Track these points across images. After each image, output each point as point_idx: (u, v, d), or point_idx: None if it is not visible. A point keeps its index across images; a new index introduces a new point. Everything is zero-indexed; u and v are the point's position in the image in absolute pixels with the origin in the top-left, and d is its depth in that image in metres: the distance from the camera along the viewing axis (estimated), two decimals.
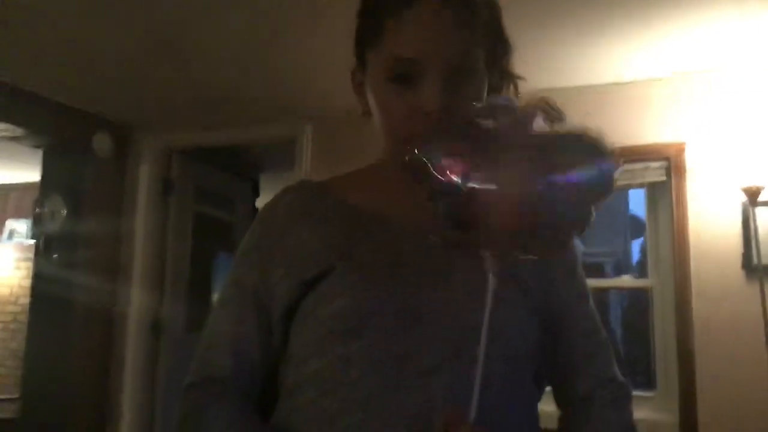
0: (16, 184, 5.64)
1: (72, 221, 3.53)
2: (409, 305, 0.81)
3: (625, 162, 2.80)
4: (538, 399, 0.93)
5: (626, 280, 3.71)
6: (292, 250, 0.88)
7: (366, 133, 0.92)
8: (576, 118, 2.94)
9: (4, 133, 3.48)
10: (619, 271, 10.48)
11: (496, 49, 0.89)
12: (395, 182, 0.91)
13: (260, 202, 4.65)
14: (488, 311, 0.74)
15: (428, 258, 0.86)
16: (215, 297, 4.27)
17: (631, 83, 2.96)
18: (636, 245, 11.05)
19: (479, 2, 0.86)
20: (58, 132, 3.52)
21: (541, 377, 0.92)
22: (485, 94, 0.88)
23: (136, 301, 3.68)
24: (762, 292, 2.52)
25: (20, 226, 5.66)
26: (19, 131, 3.42)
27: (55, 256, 3.55)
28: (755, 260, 2.63)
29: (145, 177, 3.79)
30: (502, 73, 0.92)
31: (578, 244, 0.99)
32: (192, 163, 4.00)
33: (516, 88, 0.94)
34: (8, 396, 4.86)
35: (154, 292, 3.74)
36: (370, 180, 0.95)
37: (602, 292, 4.04)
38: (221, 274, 4.31)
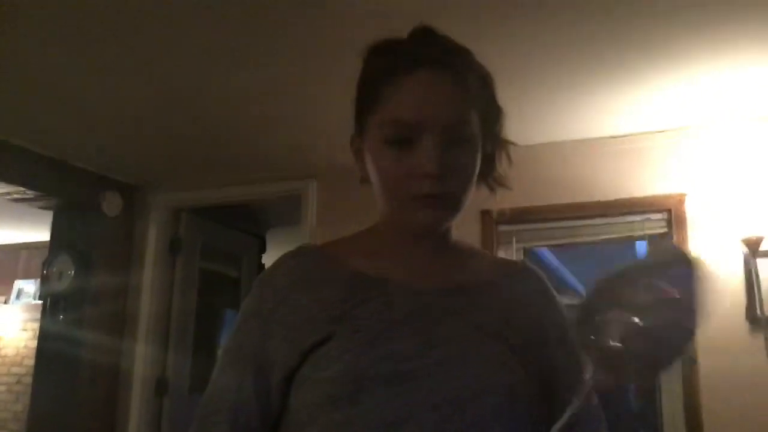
0: (25, 244, 5.69)
1: (80, 280, 3.55)
2: (402, 369, 0.82)
3: (625, 214, 2.84)
4: None
5: None
6: (291, 317, 0.88)
7: (370, 189, 0.95)
8: (576, 170, 2.95)
9: (14, 195, 3.54)
10: None
11: (490, 117, 0.92)
12: (393, 246, 0.94)
13: (267, 258, 4.67)
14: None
15: (424, 319, 0.87)
16: (220, 352, 4.26)
17: (630, 136, 3.01)
18: None
19: (473, 72, 0.90)
20: (67, 192, 3.58)
21: None
22: (479, 160, 0.91)
23: (141, 359, 3.67)
24: (767, 343, 2.51)
25: (28, 287, 5.68)
26: (29, 193, 3.48)
27: (61, 316, 3.56)
28: (758, 312, 2.63)
29: (153, 235, 3.83)
30: (494, 140, 0.95)
31: (563, 300, 1.00)
32: (199, 221, 4.05)
33: (508, 154, 0.97)
34: None
35: (160, 350, 3.73)
36: (368, 243, 0.97)
37: None
38: (226, 330, 4.30)
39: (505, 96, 0.94)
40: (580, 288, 9.86)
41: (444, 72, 0.87)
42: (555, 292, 1.01)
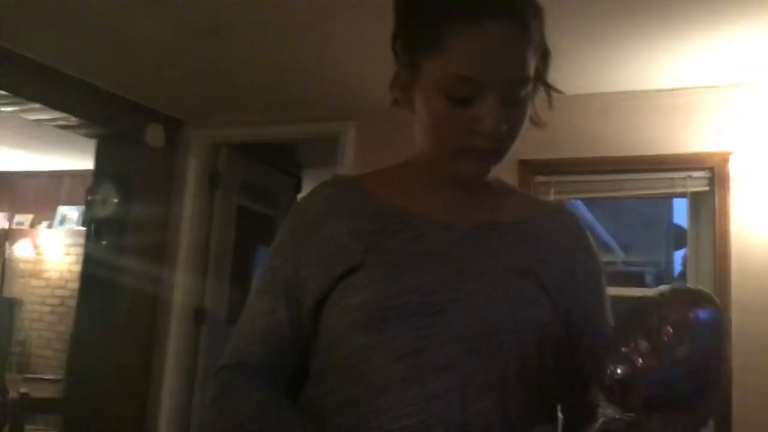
0: (69, 171, 5.83)
1: (122, 208, 3.64)
2: (430, 301, 0.84)
3: (667, 170, 2.77)
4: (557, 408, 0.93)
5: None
6: (324, 244, 0.90)
7: (408, 131, 0.95)
8: (618, 123, 2.90)
9: (59, 122, 3.61)
10: (660, 281, 10.31)
11: (543, 61, 0.90)
12: (428, 181, 0.94)
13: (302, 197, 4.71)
14: None
15: (454, 254, 0.88)
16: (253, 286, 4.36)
17: (677, 90, 2.93)
18: (678, 256, 10.84)
19: (534, 15, 0.86)
20: (112, 122, 3.64)
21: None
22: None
23: (180, 288, 3.79)
24: None
25: (71, 213, 5.84)
26: (74, 120, 3.55)
27: (104, 242, 3.67)
28: None
29: (193, 169, 3.89)
30: (541, 84, 0.92)
31: (599, 255, 1.00)
32: (238, 158, 4.10)
33: (550, 99, 0.94)
34: (54, 377, 5.04)
35: (198, 281, 3.84)
36: (402, 177, 0.98)
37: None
38: (260, 267, 4.39)
39: (550, 43, 0.92)
40: (614, 244, 9.79)
41: (511, 25, 0.83)
42: (591, 238, 1.00)
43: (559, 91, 0.94)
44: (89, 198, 3.72)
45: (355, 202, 0.94)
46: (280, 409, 0.87)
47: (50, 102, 3.33)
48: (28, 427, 3.41)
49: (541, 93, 0.93)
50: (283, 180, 4.65)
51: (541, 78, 0.91)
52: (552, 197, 3.12)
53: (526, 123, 0.89)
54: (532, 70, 0.86)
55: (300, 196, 4.75)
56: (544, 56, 0.91)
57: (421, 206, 0.92)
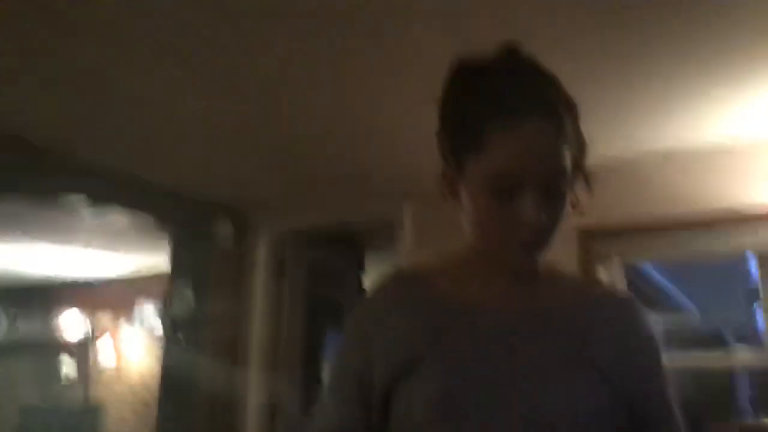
0: (146, 270, 6.03)
1: (198, 306, 3.74)
2: (490, 393, 0.89)
3: (734, 226, 2.69)
4: None
5: (743, 357, 3.52)
6: (388, 340, 0.97)
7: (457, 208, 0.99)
8: (680, 180, 2.79)
9: (135, 224, 3.81)
10: (742, 340, 9.78)
11: (579, 153, 0.95)
12: (481, 271, 1.00)
13: (366, 278, 4.78)
14: None
15: (511, 343, 0.93)
16: (324, 373, 4.28)
17: (739, 143, 2.88)
18: (759, 311, 10.28)
19: (568, 111, 0.92)
20: (182, 221, 3.82)
21: None
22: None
23: (253, 384, 3.82)
24: None
25: (149, 312, 6.04)
26: (149, 222, 3.74)
27: (183, 341, 3.75)
28: None
29: (261, 259, 3.99)
30: (580, 173, 0.97)
31: (654, 327, 1.02)
32: (302, 244, 4.19)
33: (590, 185, 0.98)
34: None
35: (270, 375, 3.87)
36: (458, 267, 1.04)
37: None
38: (329, 350, 4.44)
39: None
40: (689, 304, 9.38)
41: (546, 123, 0.89)
42: (647, 320, 1.02)
43: (595, 179, 0.99)
44: (166, 297, 3.85)
45: (416, 296, 1.00)
46: None
47: (127, 206, 3.52)
48: None
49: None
50: (346, 261, 4.72)
51: (579, 167, 0.96)
52: (615, 261, 3.09)
53: (567, 211, 0.94)
54: (568, 162, 0.91)
55: (363, 276, 4.81)
56: (581, 147, 0.96)
57: (476, 295, 0.98)
